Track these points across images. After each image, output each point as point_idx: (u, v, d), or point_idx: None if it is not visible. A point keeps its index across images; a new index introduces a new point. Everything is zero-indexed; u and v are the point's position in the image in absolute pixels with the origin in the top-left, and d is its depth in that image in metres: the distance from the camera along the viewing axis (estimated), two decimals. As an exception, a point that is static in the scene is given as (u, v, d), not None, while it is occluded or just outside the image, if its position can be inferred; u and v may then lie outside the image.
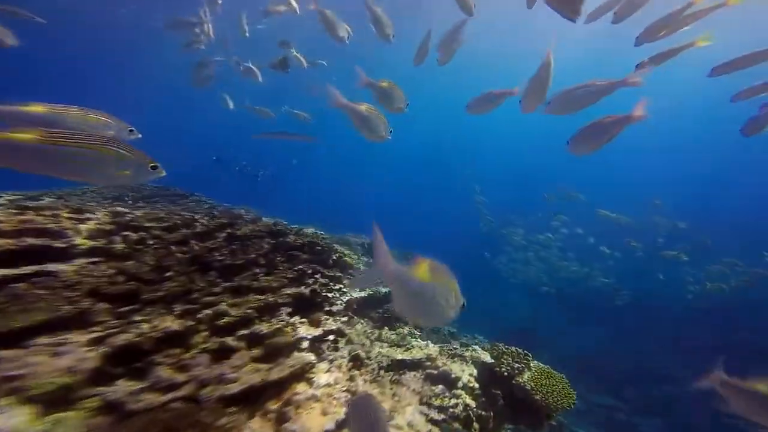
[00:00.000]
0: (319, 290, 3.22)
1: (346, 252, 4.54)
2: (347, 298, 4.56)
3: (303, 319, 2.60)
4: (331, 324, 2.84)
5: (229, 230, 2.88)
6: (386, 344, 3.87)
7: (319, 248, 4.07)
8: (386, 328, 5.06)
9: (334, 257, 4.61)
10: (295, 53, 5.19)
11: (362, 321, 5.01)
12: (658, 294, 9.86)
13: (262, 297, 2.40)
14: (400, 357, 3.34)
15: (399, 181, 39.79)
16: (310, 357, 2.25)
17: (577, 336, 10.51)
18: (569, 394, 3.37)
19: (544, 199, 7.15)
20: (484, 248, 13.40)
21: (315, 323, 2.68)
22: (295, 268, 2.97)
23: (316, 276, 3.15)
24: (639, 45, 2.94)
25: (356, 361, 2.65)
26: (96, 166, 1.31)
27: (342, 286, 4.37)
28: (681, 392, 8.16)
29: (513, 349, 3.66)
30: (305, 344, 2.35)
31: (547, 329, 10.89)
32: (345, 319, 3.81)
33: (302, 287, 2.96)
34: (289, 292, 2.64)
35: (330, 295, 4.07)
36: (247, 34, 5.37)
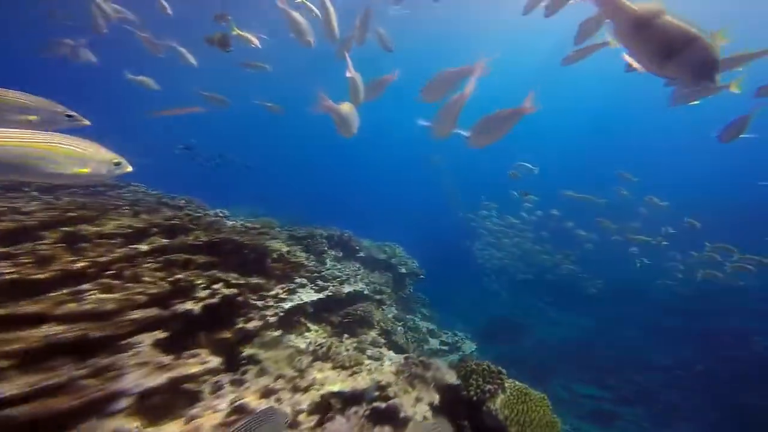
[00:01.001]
0: (225, 303, 2.18)
1: (286, 248, 3.48)
2: (291, 304, 3.55)
3: (154, 356, 1.58)
4: (211, 358, 1.80)
5: (72, 227, 1.82)
6: (329, 366, 2.87)
7: (247, 249, 3.00)
8: (345, 336, 4.07)
9: (275, 256, 3.57)
10: (237, 31, 4.07)
11: (316, 329, 4.01)
12: (641, 280, 9.04)
13: (62, 329, 1.37)
14: (337, 388, 2.33)
15: (379, 173, 37.98)
16: (118, 425, 1.24)
17: (560, 323, 9.72)
18: (551, 422, 2.41)
19: (510, 177, 6.20)
20: (463, 235, 12.43)
21: (178, 360, 1.65)
22: (175, 278, 1.93)
23: (215, 286, 2.10)
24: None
25: (239, 414, 1.63)
26: (44, 166, 1.16)
27: (280, 291, 3.35)
28: (664, 379, 7.40)
29: (485, 365, 2.70)
30: (123, 403, 1.32)
31: (528, 317, 10.06)
32: (273, 336, 2.79)
33: (187, 303, 1.92)
34: (137, 316, 1.61)
35: (260, 303, 3.05)
36: (169, 11, 4.23)
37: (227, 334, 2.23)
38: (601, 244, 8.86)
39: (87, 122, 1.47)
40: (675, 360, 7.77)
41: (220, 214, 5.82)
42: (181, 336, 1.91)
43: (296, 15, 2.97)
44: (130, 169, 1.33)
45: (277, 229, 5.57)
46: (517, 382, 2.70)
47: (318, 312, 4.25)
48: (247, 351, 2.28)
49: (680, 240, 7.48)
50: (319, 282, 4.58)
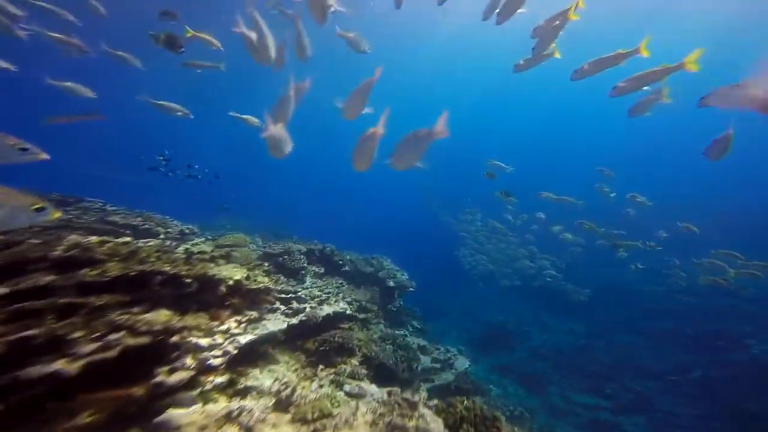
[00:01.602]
0: (143, 351, 1.59)
1: (243, 274, 2.88)
2: (250, 338, 2.93)
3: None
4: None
5: None
6: (288, 418, 2.27)
7: (190, 279, 2.40)
8: (321, 367, 3.45)
9: (230, 284, 2.96)
10: (192, 32, 3.54)
11: (287, 360, 3.39)
12: (632, 284, 8.62)
13: None
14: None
15: (369, 182, 37.11)
16: None
17: (553, 330, 9.22)
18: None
19: (485, 177, 5.79)
20: (453, 243, 11.89)
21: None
22: (27, 334, 1.33)
23: (114, 335, 1.50)
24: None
25: None
26: None
27: (234, 324, 2.74)
28: (663, 386, 6.94)
29: (477, 409, 2.14)
30: None
31: (522, 323, 9.53)
32: (217, 383, 2.18)
33: (56, 363, 1.32)
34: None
35: (205, 342, 2.44)
36: (102, 11, 3.66)
37: (139, 391, 1.62)
38: (589, 247, 8.44)
39: (45, 156, 1.32)
40: (672, 366, 7.34)
41: (187, 231, 5.18)
42: (41, 407, 1.31)
43: (253, 35, 2.96)
44: (57, 215, 1.23)
45: (250, 246, 4.96)
46: (516, 429, 2.15)
47: (292, 339, 3.65)
48: (164, 415, 1.67)
49: (673, 244, 7.09)
50: (294, 304, 3.98)
